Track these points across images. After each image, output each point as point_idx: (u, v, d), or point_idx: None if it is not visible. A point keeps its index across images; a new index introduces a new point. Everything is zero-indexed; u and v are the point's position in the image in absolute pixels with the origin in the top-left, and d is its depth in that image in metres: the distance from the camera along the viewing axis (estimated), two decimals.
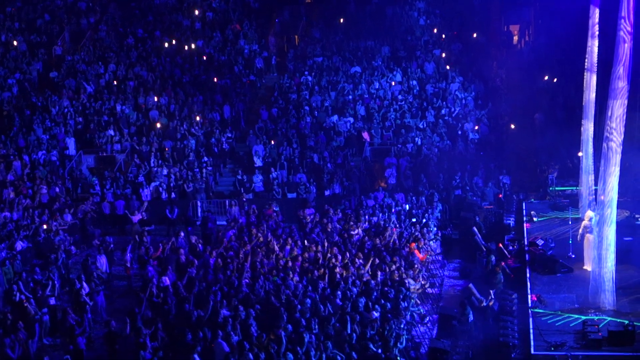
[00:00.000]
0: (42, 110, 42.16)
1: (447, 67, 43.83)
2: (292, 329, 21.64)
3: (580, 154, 31.31)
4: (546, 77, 42.26)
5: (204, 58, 46.28)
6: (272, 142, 39.71)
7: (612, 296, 23.65)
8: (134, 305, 24.67)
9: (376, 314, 22.77)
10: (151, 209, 35.24)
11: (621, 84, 22.75)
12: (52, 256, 28.82)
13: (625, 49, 22.60)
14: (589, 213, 27.33)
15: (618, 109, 22.86)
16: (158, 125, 41.15)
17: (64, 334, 24.00)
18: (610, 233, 23.38)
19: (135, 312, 23.26)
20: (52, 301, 25.48)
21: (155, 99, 42.82)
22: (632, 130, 33.14)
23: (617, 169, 23.11)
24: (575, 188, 33.24)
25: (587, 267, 26.54)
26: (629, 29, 22.57)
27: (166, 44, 47.41)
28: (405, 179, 36.98)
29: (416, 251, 28.23)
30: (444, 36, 46.87)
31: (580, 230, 27.59)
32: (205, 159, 39.02)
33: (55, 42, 47.83)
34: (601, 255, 23.49)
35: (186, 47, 47.24)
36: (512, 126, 39.30)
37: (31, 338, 23.50)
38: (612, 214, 23.31)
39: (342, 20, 48.81)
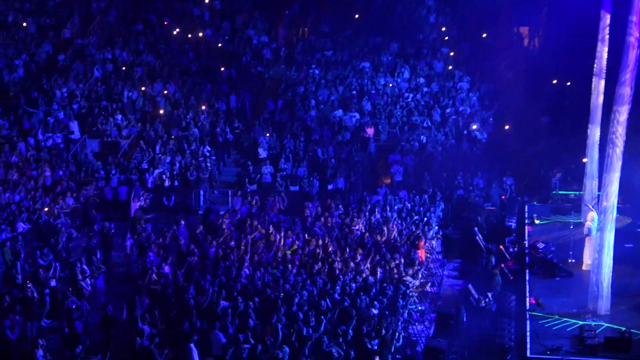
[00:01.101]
0: (48, 92, 42.14)
1: (449, 67, 43.65)
2: (289, 322, 21.72)
3: (585, 160, 31.28)
4: (555, 81, 42.15)
5: (213, 47, 46.21)
6: (275, 134, 39.63)
7: (610, 302, 23.69)
8: (132, 291, 24.76)
9: (374, 311, 22.83)
10: (152, 196, 35.22)
11: (627, 90, 22.76)
12: (52, 240, 28.87)
13: (633, 55, 22.61)
14: (591, 214, 27.48)
15: (623, 115, 22.89)
16: (161, 111, 41.11)
17: (61, 317, 24.05)
18: (610, 239, 23.40)
19: (134, 298, 23.35)
20: (53, 283, 25.57)
21: (162, 86, 42.79)
22: (638, 137, 33.20)
23: (618, 175, 23.13)
24: (578, 192, 33.20)
25: (586, 266, 26.94)
26: (637, 35, 22.57)
27: (175, 32, 47.35)
28: (409, 177, 36.95)
29: (420, 250, 28.25)
30: (450, 36, 46.70)
31: (585, 231, 27.70)
32: (209, 148, 38.98)
33: (64, 25, 47.79)
34: (600, 261, 23.51)
35: (194, 36, 47.15)
36: (507, 127, 39.20)
37: (30, 320, 23.58)
38: (612, 219, 23.33)
39: (356, 15, 48.64)
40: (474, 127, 39.43)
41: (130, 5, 50.10)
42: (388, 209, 32.89)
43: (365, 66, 44.22)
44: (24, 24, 46.89)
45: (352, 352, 20.43)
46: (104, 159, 38.38)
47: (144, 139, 39.39)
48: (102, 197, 35.79)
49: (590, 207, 28.31)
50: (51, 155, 38.05)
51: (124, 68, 44.24)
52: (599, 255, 23.64)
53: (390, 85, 42.79)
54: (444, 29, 47.26)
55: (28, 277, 25.49)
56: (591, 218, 27.37)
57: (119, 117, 40.81)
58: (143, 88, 42.58)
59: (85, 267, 26.04)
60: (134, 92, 42.43)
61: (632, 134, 23.76)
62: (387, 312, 22.86)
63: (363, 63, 44.45)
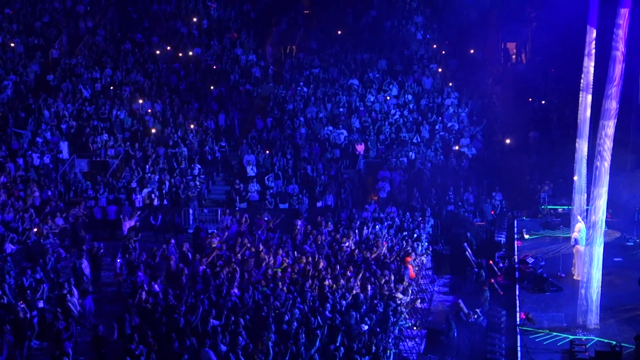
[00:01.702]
0: (37, 113, 42.12)
1: (450, 84, 43.79)
2: (279, 340, 21.67)
3: (575, 177, 31.37)
4: (543, 102, 42.28)
5: (202, 66, 46.31)
6: (267, 152, 39.68)
7: (599, 316, 23.72)
8: (122, 310, 24.67)
9: (365, 327, 22.80)
10: (141, 215, 35.18)
11: (613, 105, 22.89)
12: (41, 260, 28.78)
13: (618, 69, 22.75)
14: (579, 225, 27.67)
15: (610, 129, 23.01)
16: (153, 130, 41.13)
17: (50, 338, 23.96)
18: (599, 253, 23.46)
19: (124, 317, 23.29)
20: (41, 304, 25.46)
21: (150, 105, 42.81)
22: (626, 151, 33.38)
23: (606, 189, 23.22)
24: (567, 207, 33.28)
25: (577, 277, 26.95)
26: (622, 50, 22.72)
27: (162, 51, 47.43)
28: (400, 193, 37.00)
29: (410, 266, 28.24)
30: (438, 52, 46.95)
31: (572, 242, 27.96)
32: (199, 166, 38.99)
33: (52, 45, 47.84)
34: (589, 275, 23.56)
35: (182, 54, 47.27)
36: (508, 142, 39.30)
37: (21, 340, 23.48)
38: (600, 233, 23.40)
39: (340, 32, 48.87)
40: (463, 144, 39.49)
41: (118, 24, 50.21)
42: (378, 225, 32.89)
43: (354, 83, 44.34)
44: (12, 45, 46.91)
45: None
46: (93, 178, 38.35)
47: (133, 158, 39.37)
48: (91, 216, 35.73)
49: (579, 218, 28.46)
50: (40, 175, 37.98)
51: (112, 87, 44.24)
52: (589, 269, 23.67)
53: (388, 98, 42.86)
54: (435, 46, 47.43)
55: (17, 297, 25.35)
56: (578, 229, 27.65)
57: (106, 136, 40.77)
58: (131, 107, 42.58)
59: (73, 287, 25.93)
60: (122, 111, 42.44)
61: (620, 147, 23.81)
62: (377, 329, 22.82)
63: (351, 80, 44.57)
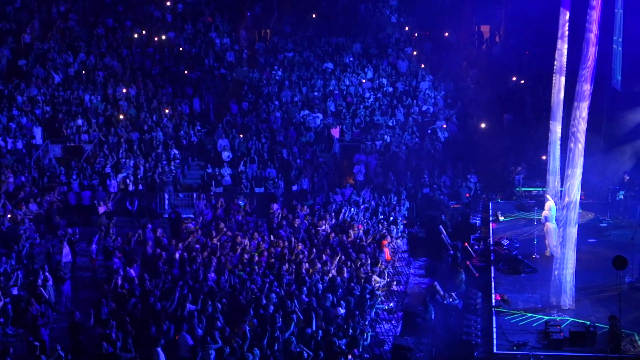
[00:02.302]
0: (9, 98, 41.77)
1: (422, 65, 43.86)
2: (257, 324, 21.69)
3: (544, 157, 31.56)
4: (514, 78, 42.53)
5: (175, 50, 46.05)
6: (241, 136, 39.58)
7: (574, 297, 23.92)
8: (98, 296, 24.59)
9: (342, 311, 22.86)
10: (117, 200, 35.03)
11: (586, 87, 23.02)
12: (15, 247, 28.59)
13: (591, 52, 22.86)
14: (549, 203, 28.21)
15: (583, 111, 23.14)
16: (122, 116, 40.87)
17: (26, 325, 23.85)
18: (573, 234, 23.63)
19: (100, 303, 23.21)
20: (15, 291, 25.33)
21: (124, 90, 42.56)
22: (601, 133, 33.62)
23: (580, 170, 23.38)
24: (541, 189, 33.50)
25: (547, 253, 27.90)
26: (596, 32, 22.83)
27: (136, 35, 47.13)
28: (375, 176, 37.06)
29: (386, 249, 28.33)
30: (412, 35, 47.00)
31: (542, 220, 28.35)
32: (175, 151, 38.84)
33: (24, 30, 47.36)
34: (564, 256, 23.73)
35: (157, 39, 46.99)
36: (483, 125, 39.43)
37: None
38: (574, 215, 23.57)
39: (314, 15, 48.75)
40: (444, 126, 39.56)
41: (90, 9, 49.74)
42: (353, 208, 32.94)
43: (329, 67, 44.28)
44: None
45: (322, 353, 20.42)
46: (67, 164, 38.12)
47: (107, 143, 39.15)
48: (66, 202, 35.52)
49: (549, 197, 28.83)
50: (13, 161, 37.69)
51: (85, 72, 43.93)
52: (563, 251, 23.85)
53: (364, 80, 42.83)
54: (407, 28, 47.45)
55: None
56: (548, 207, 28.30)
57: (82, 121, 40.51)
58: (105, 92, 42.32)
59: (47, 274, 25.80)
60: (96, 95, 42.16)
61: (592, 129, 23.97)
62: (354, 312, 22.90)
63: (326, 64, 44.51)
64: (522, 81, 42.44)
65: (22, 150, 38.85)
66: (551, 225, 27.86)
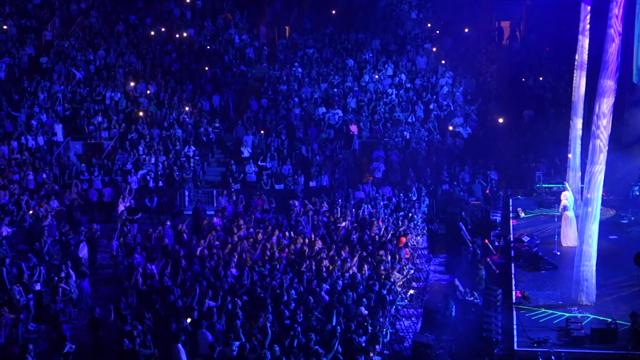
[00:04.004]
0: (31, 95, 41.99)
1: (443, 62, 43.75)
2: (277, 320, 21.70)
3: (570, 155, 31.39)
4: (540, 78, 42.25)
5: (195, 47, 46.16)
6: (262, 132, 39.62)
7: (595, 294, 23.81)
8: (118, 293, 24.66)
9: (365, 312, 22.81)
10: (137, 197, 35.13)
11: (609, 83, 22.84)
12: (37, 244, 28.73)
13: (614, 47, 22.69)
14: (566, 193, 28.33)
15: (605, 107, 22.97)
16: (141, 113, 40.96)
17: (48, 321, 23.97)
18: (594, 230, 23.51)
19: (120, 299, 23.29)
20: (38, 287, 25.45)
21: (145, 86, 42.71)
22: (620, 129, 33.38)
23: (603, 166, 23.23)
24: (562, 185, 33.35)
25: (565, 243, 28.03)
26: (618, 27, 22.66)
27: (156, 32, 47.26)
28: (395, 173, 37.02)
29: (405, 246, 28.31)
30: (432, 31, 46.88)
31: (560, 210, 28.41)
32: (194, 148, 38.94)
33: (45, 27, 47.63)
34: (585, 252, 23.62)
35: (177, 35, 47.12)
36: (500, 120, 39.25)
37: (17, 323, 23.48)
38: (596, 211, 23.44)
39: (333, 11, 48.73)
40: (458, 124, 39.46)
41: (111, 6, 49.95)
42: (373, 205, 32.92)
43: (348, 63, 44.24)
44: (5, 27, 46.69)
45: (341, 349, 20.42)
46: (88, 160, 38.29)
47: (127, 139, 39.31)
48: (87, 199, 35.68)
49: (567, 185, 28.82)
50: (34, 158, 37.90)
51: (105, 69, 44.10)
52: (583, 247, 23.72)
53: (381, 79, 42.78)
54: (429, 25, 47.33)
55: (14, 280, 25.33)
56: (565, 197, 28.35)
57: (100, 119, 40.68)
58: (125, 89, 42.48)
59: (70, 270, 25.92)
60: (117, 93, 42.33)
61: (614, 125, 23.79)
62: (375, 309, 22.87)
63: (346, 60, 44.46)
64: (541, 78, 42.21)
65: (44, 147, 39.06)
66: (570, 214, 27.97)
